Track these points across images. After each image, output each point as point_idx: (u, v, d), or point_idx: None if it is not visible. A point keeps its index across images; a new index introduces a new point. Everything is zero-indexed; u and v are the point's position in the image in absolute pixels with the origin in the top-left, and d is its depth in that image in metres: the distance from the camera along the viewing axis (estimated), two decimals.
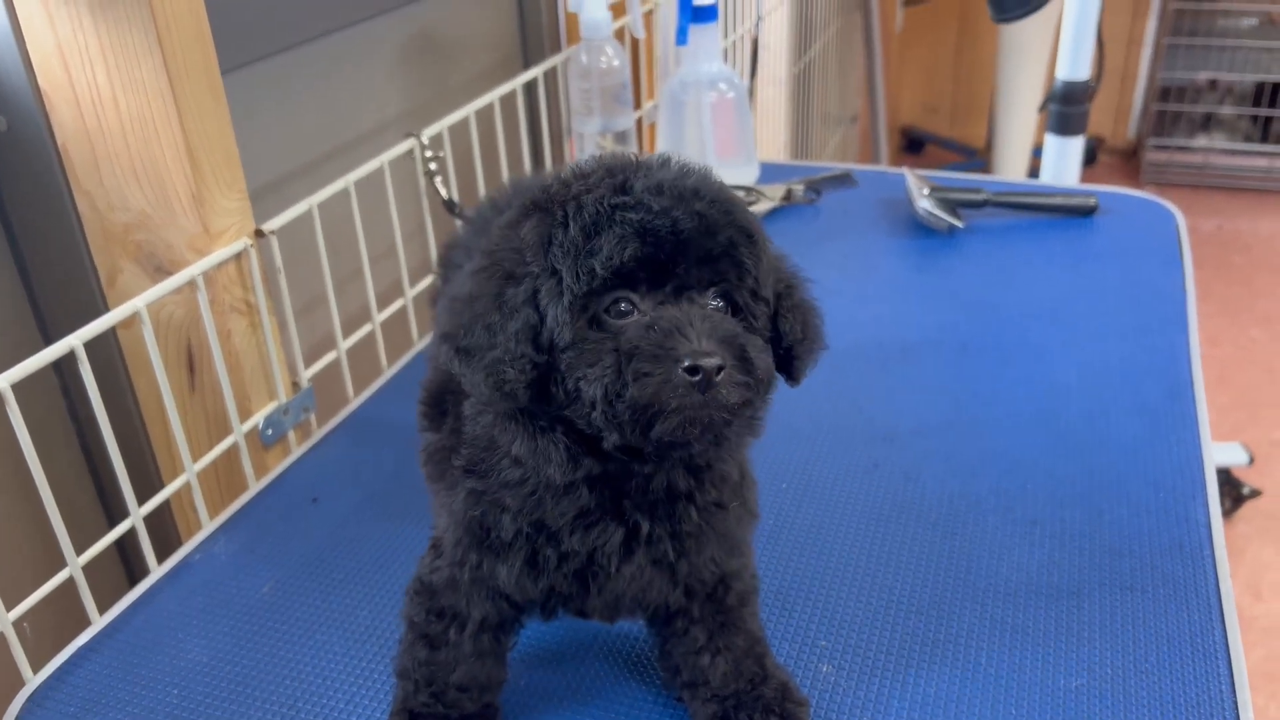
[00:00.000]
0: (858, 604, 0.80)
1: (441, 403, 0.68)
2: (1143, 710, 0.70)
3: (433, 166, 1.16)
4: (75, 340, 0.81)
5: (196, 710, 0.75)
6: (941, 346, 1.12)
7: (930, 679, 0.73)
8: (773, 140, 2.49)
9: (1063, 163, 1.99)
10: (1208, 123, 3.61)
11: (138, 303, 0.86)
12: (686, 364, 0.53)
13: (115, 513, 1.05)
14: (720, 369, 0.54)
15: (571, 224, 0.56)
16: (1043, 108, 1.97)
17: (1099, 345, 1.11)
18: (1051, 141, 1.96)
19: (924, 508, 0.89)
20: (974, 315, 1.18)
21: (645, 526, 0.62)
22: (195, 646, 0.81)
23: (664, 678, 0.73)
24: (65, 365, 1.02)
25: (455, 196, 1.18)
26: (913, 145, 3.90)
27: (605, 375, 0.55)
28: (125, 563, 1.09)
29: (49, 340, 1.03)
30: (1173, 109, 3.56)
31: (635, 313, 0.57)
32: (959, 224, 1.34)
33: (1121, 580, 0.81)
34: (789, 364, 0.63)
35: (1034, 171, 3.11)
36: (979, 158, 3.69)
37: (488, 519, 0.63)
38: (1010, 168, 3.39)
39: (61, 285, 1.00)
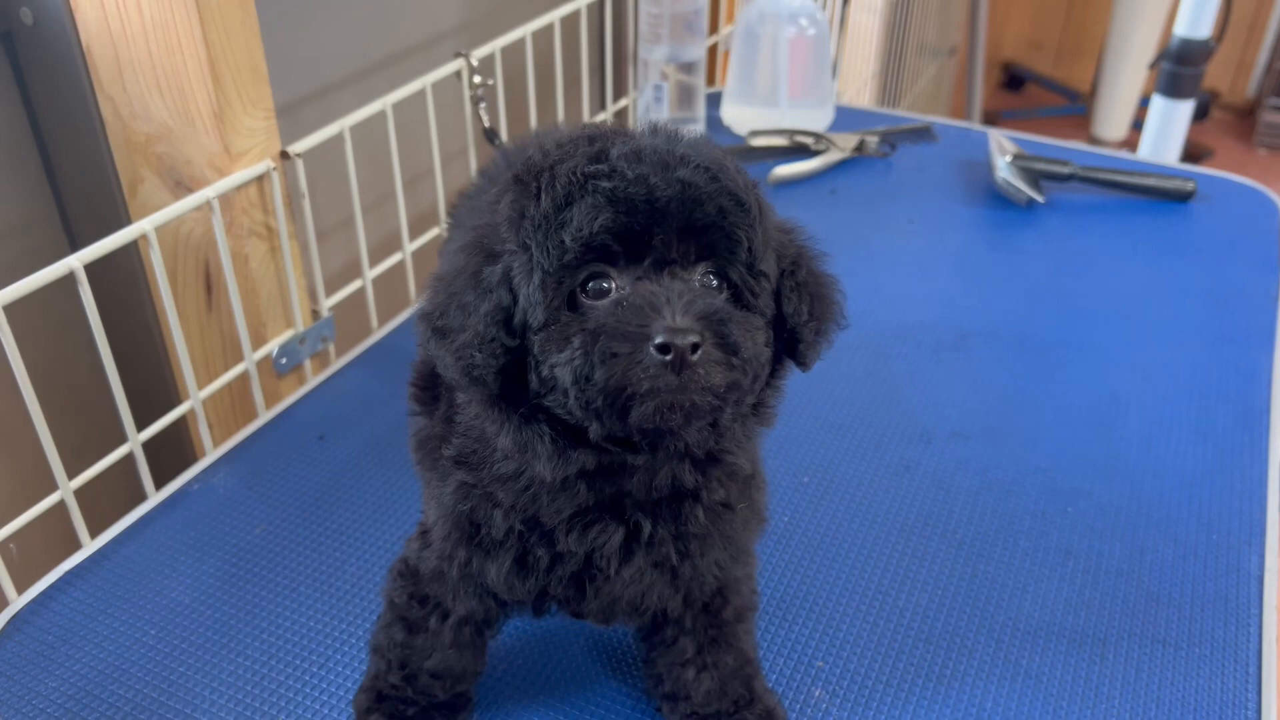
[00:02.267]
0: (864, 624, 0.75)
1: (433, 385, 0.63)
2: None
3: (479, 92, 1.09)
4: (75, 262, 0.77)
5: (172, 654, 0.74)
6: (998, 337, 1.05)
7: (929, 719, 0.69)
8: (860, 71, 2.36)
9: (1167, 128, 1.85)
10: None
11: (145, 225, 0.82)
12: (658, 341, 0.48)
13: (141, 423, 1.04)
14: (696, 347, 0.48)
15: (543, 196, 0.51)
16: (1154, 64, 1.83)
17: (1170, 353, 1.02)
18: (1158, 103, 1.83)
19: (952, 523, 0.84)
20: (1038, 304, 1.09)
21: (647, 527, 0.58)
22: (180, 585, 0.79)
23: (646, 684, 0.70)
24: (90, 271, 1.00)
25: (501, 127, 1.12)
26: (1012, 82, 3.70)
27: (574, 358, 0.50)
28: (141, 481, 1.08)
29: (74, 244, 1.00)
30: None
31: (613, 290, 0.51)
32: (1039, 198, 1.24)
33: (1155, 631, 0.75)
34: (795, 348, 0.57)
35: (1139, 123, 2.92)
36: (1081, 103, 3.48)
37: (478, 514, 0.59)
38: (1112, 118, 3.19)
39: (86, 189, 0.97)
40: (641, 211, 0.50)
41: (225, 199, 0.89)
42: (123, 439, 0.86)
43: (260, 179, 0.91)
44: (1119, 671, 0.72)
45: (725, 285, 0.53)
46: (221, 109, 0.86)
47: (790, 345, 0.57)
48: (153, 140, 0.90)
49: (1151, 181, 1.28)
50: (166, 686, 0.71)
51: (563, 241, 0.50)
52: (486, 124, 1.08)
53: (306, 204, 0.97)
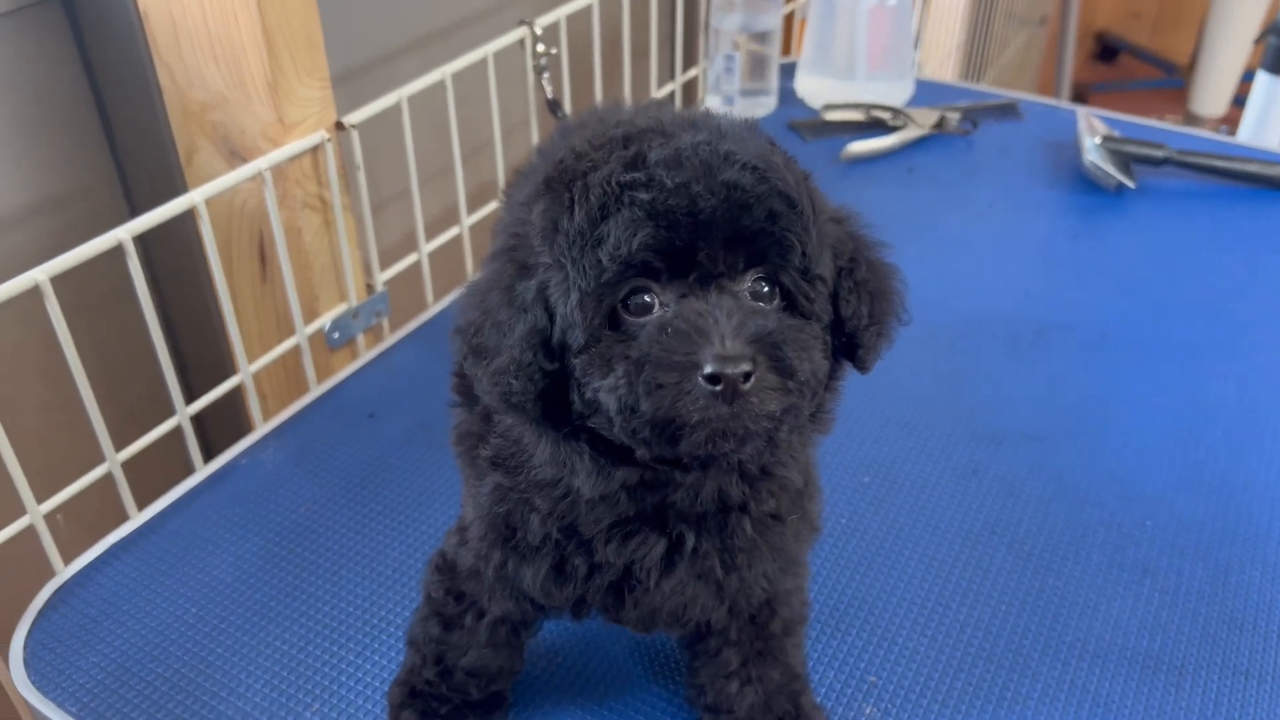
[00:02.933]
0: (921, 638, 0.71)
1: (460, 373, 0.61)
2: None
3: (543, 61, 1.06)
4: (123, 233, 0.76)
5: (211, 634, 0.73)
6: (1078, 333, 0.99)
7: None
8: (943, 41, 2.27)
9: (1271, 108, 1.74)
10: None
11: (196, 196, 0.81)
12: (707, 371, 0.44)
13: (197, 393, 1.04)
14: (749, 375, 0.45)
15: (577, 209, 0.47)
16: (1260, 39, 1.72)
17: (1264, 356, 0.95)
18: (1262, 80, 1.72)
19: (1020, 533, 0.79)
20: (1123, 298, 1.03)
21: (691, 540, 0.55)
22: (222, 563, 0.79)
23: (689, 693, 0.67)
24: (149, 244, 0.99)
25: (565, 98, 1.08)
26: (1105, 53, 3.54)
27: (618, 387, 0.47)
28: (204, 437, 1.08)
29: (133, 209, 1.00)
30: None
31: (656, 306, 0.48)
32: (1129, 183, 1.17)
33: (1236, 662, 0.69)
34: (853, 351, 0.53)
35: (1240, 100, 2.78)
36: (1178, 76, 3.32)
37: (514, 518, 0.57)
38: (1212, 93, 3.04)
39: (145, 156, 0.97)
40: (684, 225, 0.46)
41: (278, 170, 0.87)
42: (185, 402, 0.85)
43: (314, 150, 0.89)
44: (1195, 703, 0.67)
45: (778, 292, 0.49)
46: (275, 78, 0.84)
47: (849, 348, 0.53)
48: (208, 109, 0.88)
49: (1253, 168, 1.20)
50: (203, 667, 0.71)
51: (600, 260, 0.47)
52: (550, 95, 1.05)
53: (361, 176, 0.94)
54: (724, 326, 0.45)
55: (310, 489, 0.85)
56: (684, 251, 0.47)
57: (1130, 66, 3.49)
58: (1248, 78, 2.92)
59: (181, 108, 0.90)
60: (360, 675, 0.70)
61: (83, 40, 0.92)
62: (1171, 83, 3.31)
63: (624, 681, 0.69)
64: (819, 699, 0.66)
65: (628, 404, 0.46)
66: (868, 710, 0.67)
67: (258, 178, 0.87)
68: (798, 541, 0.59)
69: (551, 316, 0.48)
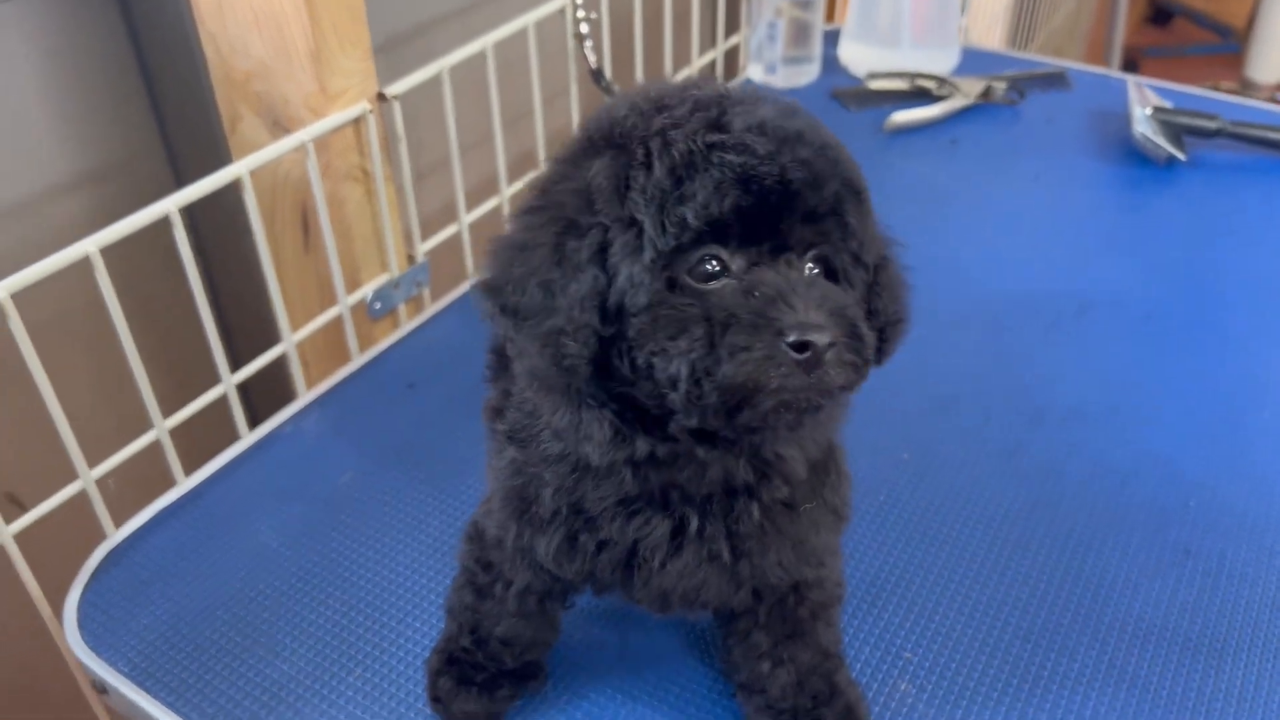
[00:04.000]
0: (958, 616, 0.71)
1: (505, 356, 0.61)
2: None
3: (584, 29, 1.05)
4: (170, 205, 0.77)
5: (257, 599, 0.74)
6: (1124, 310, 0.97)
7: None
8: (991, 5, 2.22)
9: None
10: None
11: (240, 168, 0.81)
12: (793, 339, 0.45)
13: (242, 361, 1.06)
14: (831, 345, 0.45)
15: (656, 164, 0.47)
16: None
17: None
18: None
19: (1060, 512, 0.78)
20: (1172, 275, 1.01)
21: (694, 522, 0.55)
22: (267, 529, 0.80)
23: (724, 668, 0.67)
24: (194, 209, 1.00)
25: (605, 66, 1.08)
26: (1159, 16, 3.45)
27: (694, 349, 0.46)
28: (249, 404, 1.09)
29: (179, 179, 1.01)
30: None
31: (724, 274, 0.47)
32: (1180, 155, 1.15)
33: (1278, 645, 0.69)
34: (879, 345, 0.53)
35: None
36: (1234, 40, 3.24)
37: (528, 491, 0.57)
38: (1269, 58, 2.96)
39: (190, 125, 0.98)
40: (773, 193, 0.46)
41: (321, 142, 0.88)
42: (228, 372, 0.87)
43: (357, 122, 0.89)
44: (1236, 684, 0.67)
45: (828, 274, 0.49)
46: (318, 47, 0.84)
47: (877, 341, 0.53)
48: (251, 78, 0.89)
49: None
50: (249, 631, 0.72)
51: (684, 218, 0.46)
52: (593, 64, 1.04)
53: (403, 148, 0.95)
54: (806, 296, 0.45)
55: (352, 458, 0.86)
56: (763, 221, 0.47)
57: (1185, 30, 3.41)
58: None
59: (225, 77, 0.90)
60: (401, 643, 0.71)
61: (128, 10, 0.92)
62: (1227, 48, 3.23)
63: (661, 655, 0.70)
64: (854, 675, 0.67)
65: (702, 367, 0.46)
66: (903, 687, 0.67)
67: (301, 148, 0.88)
68: (818, 531, 0.58)
69: (610, 276, 0.48)
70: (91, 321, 0.92)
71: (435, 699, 0.67)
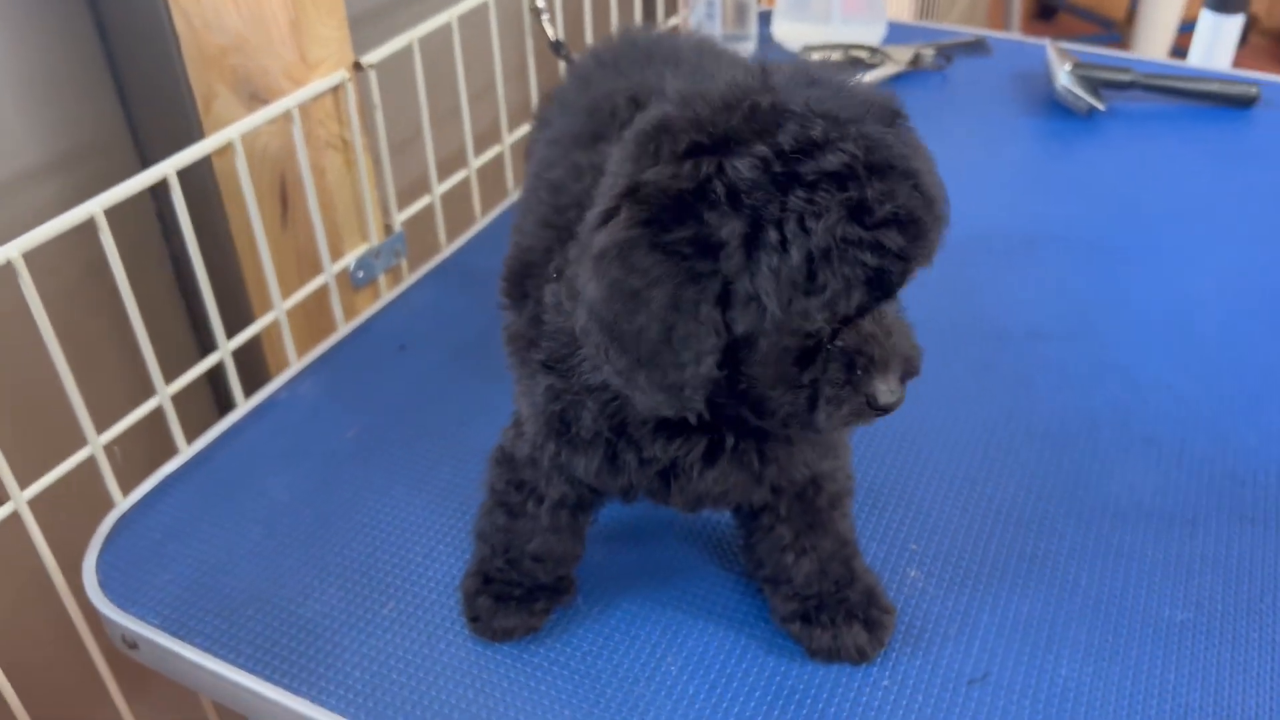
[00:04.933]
0: (954, 509, 0.76)
1: (523, 284, 0.64)
2: (1252, 653, 0.66)
3: (540, 3, 1.09)
4: (168, 167, 0.78)
5: (278, 549, 0.76)
6: (1068, 242, 1.05)
7: (1025, 596, 0.70)
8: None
9: (1216, 44, 1.82)
10: None
11: (231, 132, 0.83)
12: (880, 404, 0.53)
13: (208, 345, 1.06)
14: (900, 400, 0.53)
15: (792, 249, 0.47)
16: None
17: (1242, 255, 1.02)
18: (1206, 19, 1.79)
19: (1035, 418, 0.84)
20: (1107, 210, 1.09)
21: (731, 439, 0.59)
22: (277, 486, 0.81)
23: (747, 567, 0.71)
24: (160, 193, 1.00)
25: (561, 37, 1.11)
26: (1044, 12, 3.64)
27: (797, 402, 0.52)
28: (216, 394, 1.10)
29: (146, 164, 1.01)
30: None
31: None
32: (1100, 106, 1.23)
33: (1243, 510, 0.75)
34: None
35: (1179, 51, 2.87)
36: (1116, 30, 3.43)
37: (568, 415, 0.60)
38: (1151, 44, 3.14)
39: (159, 106, 0.98)
40: (895, 268, 0.49)
41: (303, 110, 0.89)
42: (195, 358, 0.87)
43: (335, 90, 0.91)
44: (1209, 549, 0.73)
45: None
46: (298, 16, 0.86)
47: None
48: (227, 52, 0.90)
49: (1214, 87, 1.27)
50: (276, 577, 0.74)
51: (808, 310, 0.48)
52: (551, 36, 1.08)
53: (379, 116, 0.97)
54: (894, 355, 0.53)
55: (353, 416, 0.87)
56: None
57: (1069, 24, 3.59)
58: (1185, 29, 3.02)
59: (199, 53, 0.91)
60: (430, 574, 0.73)
61: None
62: (1109, 38, 3.41)
63: (682, 566, 0.73)
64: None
65: (799, 411, 0.52)
66: (912, 574, 0.72)
67: (278, 120, 0.89)
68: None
69: (728, 325, 0.50)
70: (68, 299, 0.92)
71: (474, 618, 0.69)
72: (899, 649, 0.67)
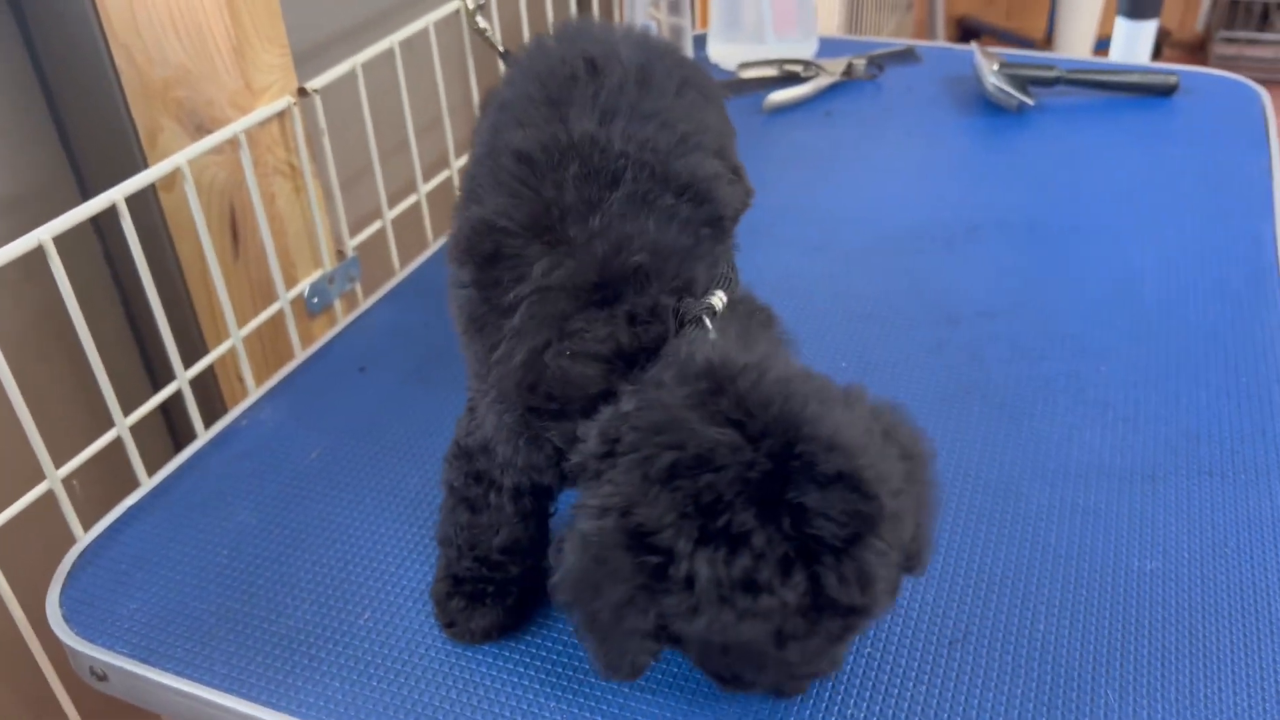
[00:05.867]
0: None
1: (490, 264, 0.64)
2: (1221, 594, 0.67)
3: (480, 22, 1.09)
4: (117, 194, 0.78)
5: (249, 569, 0.74)
6: (1008, 227, 1.07)
7: (997, 555, 0.71)
8: (826, 23, 2.39)
9: (1133, 50, 1.89)
10: None
11: (179, 158, 0.83)
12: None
13: (160, 380, 1.05)
14: None
15: (700, 621, 0.51)
16: None
17: (1177, 229, 1.05)
18: (1122, 26, 1.86)
19: (990, 389, 0.86)
20: (1044, 195, 1.12)
21: None
22: (244, 509, 0.80)
23: None
24: (107, 228, 1.00)
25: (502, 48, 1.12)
26: (966, 35, 3.75)
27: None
28: (170, 429, 1.08)
29: (97, 218, 1.00)
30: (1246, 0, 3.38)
31: None
32: (1029, 101, 1.27)
33: (1199, 464, 0.77)
34: None
35: None
36: (1037, 50, 3.54)
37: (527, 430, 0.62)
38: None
39: (101, 145, 0.97)
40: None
41: (250, 137, 0.89)
42: (147, 393, 0.86)
43: (281, 115, 0.92)
44: (1171, 501, 0.74)
45: None
46: (240, 44, 0.87)
47: None
48: (171, 85, 0.90)
49: (1135, 78, 1.31)
50: (247, 597, 0.72)
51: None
52: (500, 48, 1.07)
53: (326, 141, 0.97)
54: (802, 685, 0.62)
55: (316, 437, 0.87)
56: None
57: (990, 45, 3.70)
58: (1101, 46, 3.13)
59: (141, 88, 0.92)
60: (406, 582, 0.72)
61: (29, 33, 0.93)
62: None
63: None
64: None
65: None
66: None
67: (225, 150, 0.89)
68: None
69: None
70: (17, 347, 0.91)
71: (449, 624, 0.68)
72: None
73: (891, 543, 0.51)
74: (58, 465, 0.77)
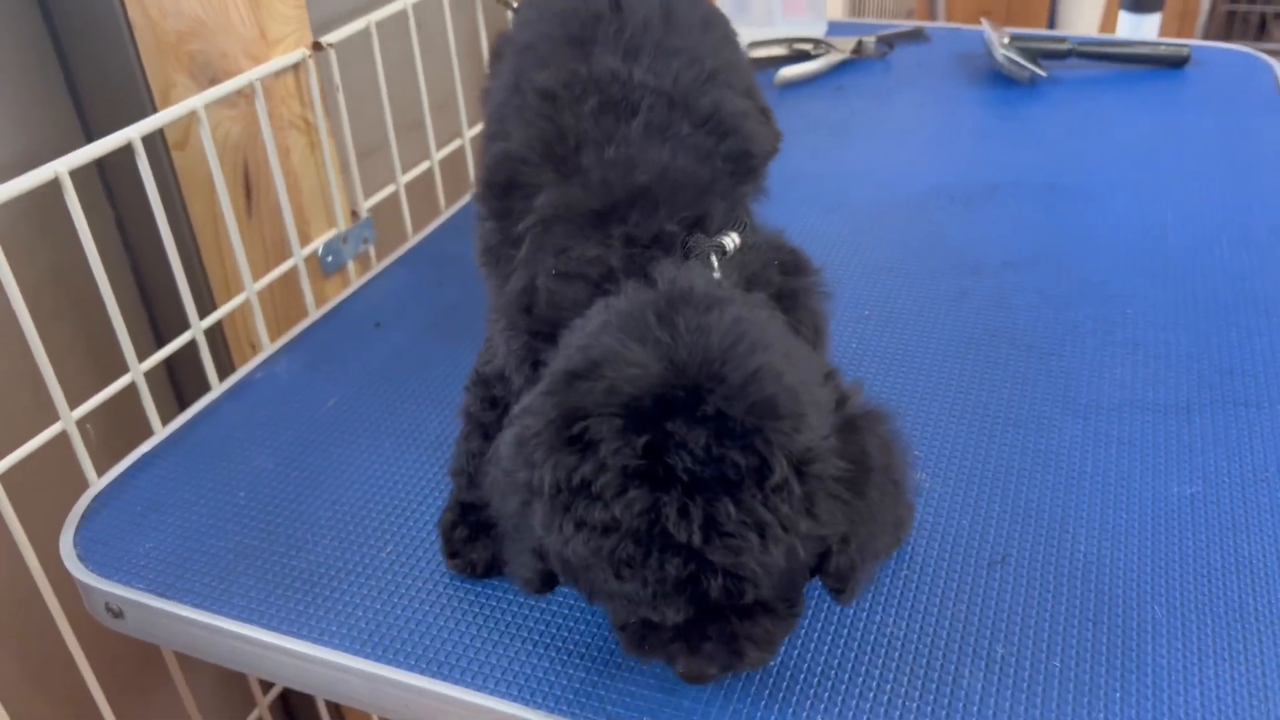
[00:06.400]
0: (950, 419, 0.76)
1: (508, 196, 0.64)
2: (1264, 516, 0.66)
3: None
4: (133, 132, 0.77)
5: (266, 509, 0.73)
6: (1027, 186, 1.07)
7: (1034, 486, 0.69)
8: (830, 12, 2.40)
9: None
10: None
11: (194, 101, 0.82)
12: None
13: (165, 337, 1.03)
14: None
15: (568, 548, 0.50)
16: None
17: (1196, 185, 1.04)
18: (1126, 20, 1.87)
19: (1017, 333, 0.85)
20: (1060, 158, 1.12)
21: None
22: (261, 454, 0.78)
23: None
24: (116, 183, 0.98)
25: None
26: None
27: None
28: (176, 390, 1.06)
29: (103, 170, 1.00)
30: (1242, 9, 3.40)
31: None
32: (1041, 73, 1.27)
33: (1235, 397, 0.76)
34: None
35: None
36: None
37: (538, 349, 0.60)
38: None
39: (113, 102, 0.96)
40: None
41: (265, 88, 0.89)
42: (152, 349, 0.84)
43: (296, 68, 0.91)
44: (1209, 431, 0.73)
45: None
46: None
47: None
48: (185, 38, 0.90)
49: (1146, 50, 1.31)
50: (266, 535, 0.71)
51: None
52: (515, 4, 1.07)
53: (341, 98, 0.97)
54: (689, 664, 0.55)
55: (333, 387, 0.85)
56: None
57: None
58: None
59: (155, 42, 0.91)
60: (428, 517, 0.71)
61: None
62: None
63: None
64: None
65: None
66: (920, 476, 0.71)
67: (239, 104, 0.89)
68: None
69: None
70: (31, 304, 0.89)
71: (452, 554, 0.66)
72: (914, 540, 0.66)
73: (777, 516, 0.46)
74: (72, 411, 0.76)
